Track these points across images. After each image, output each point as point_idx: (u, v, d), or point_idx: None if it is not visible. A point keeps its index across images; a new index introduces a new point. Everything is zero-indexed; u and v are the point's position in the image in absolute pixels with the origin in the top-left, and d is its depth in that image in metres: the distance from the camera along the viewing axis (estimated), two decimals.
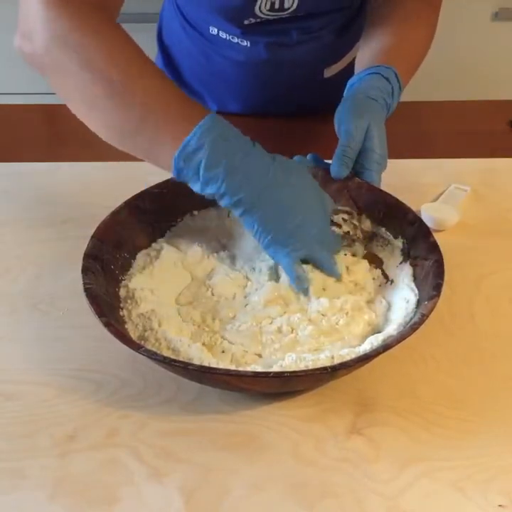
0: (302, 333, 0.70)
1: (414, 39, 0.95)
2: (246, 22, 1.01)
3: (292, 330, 0.71)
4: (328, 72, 1.13)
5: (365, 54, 0.93)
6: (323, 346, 0.70)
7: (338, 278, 0.76)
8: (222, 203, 0.70)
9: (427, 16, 0.98)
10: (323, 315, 0.72)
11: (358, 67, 0.92)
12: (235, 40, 1.06)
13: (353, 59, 0.99)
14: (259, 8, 0.98)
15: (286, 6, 0.98)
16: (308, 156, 0.86)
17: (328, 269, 0.75)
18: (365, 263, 0.79)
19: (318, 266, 0.75)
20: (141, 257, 0.79)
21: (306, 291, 0.74)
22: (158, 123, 0.67)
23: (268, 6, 0.98)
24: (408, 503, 0.60)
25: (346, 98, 0.86)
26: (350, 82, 0.89)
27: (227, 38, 1.06)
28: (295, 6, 0.99)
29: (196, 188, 0.70)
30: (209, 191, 0.69)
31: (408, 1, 0.97)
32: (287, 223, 0.71)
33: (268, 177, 0.70)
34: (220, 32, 1.06)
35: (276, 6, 0.98)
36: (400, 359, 0.71)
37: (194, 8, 1.08)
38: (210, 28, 1.07)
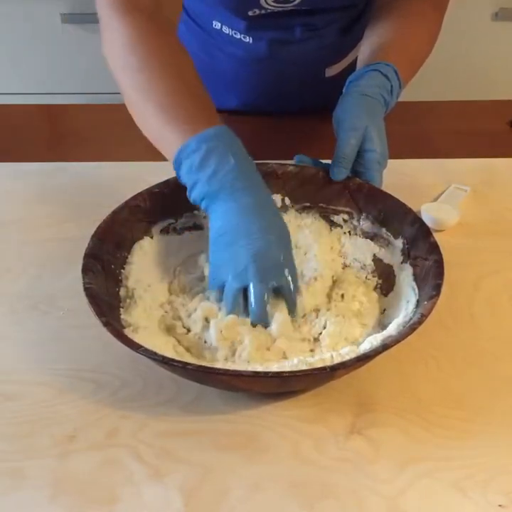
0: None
1: (417, 38, 0.95)
2: (250, 13, 1.00)
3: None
4: (330, 72, 1.12)
5: (367, 50, 0.93)
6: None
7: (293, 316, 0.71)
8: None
9: (432, 16, 0.97)
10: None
11: (360, 64, 0.92)
12: (238, 36, 1.05)
13: (355, 59, 0.99)
14: None
15: None
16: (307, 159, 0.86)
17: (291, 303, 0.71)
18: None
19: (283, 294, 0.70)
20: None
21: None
22: (169, 120, 0.74)
23: None
24: (408, 503, 0.60)
25: (344, 96, 0.86)
26: (349, 78, 0.89)
27: (230, 33, 1.06)
28: None
29: (187, 192, 0.73)
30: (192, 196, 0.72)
31: (413, 0, 0.97)
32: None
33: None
34: (223, 27, 1.06)
35: None
36: (400, 359, 0.71)
37: (199, 1, 1.07)
38: (214, 23, 1.06)
